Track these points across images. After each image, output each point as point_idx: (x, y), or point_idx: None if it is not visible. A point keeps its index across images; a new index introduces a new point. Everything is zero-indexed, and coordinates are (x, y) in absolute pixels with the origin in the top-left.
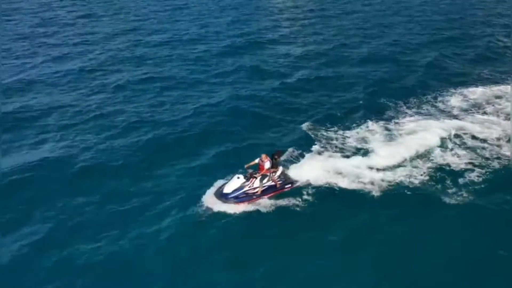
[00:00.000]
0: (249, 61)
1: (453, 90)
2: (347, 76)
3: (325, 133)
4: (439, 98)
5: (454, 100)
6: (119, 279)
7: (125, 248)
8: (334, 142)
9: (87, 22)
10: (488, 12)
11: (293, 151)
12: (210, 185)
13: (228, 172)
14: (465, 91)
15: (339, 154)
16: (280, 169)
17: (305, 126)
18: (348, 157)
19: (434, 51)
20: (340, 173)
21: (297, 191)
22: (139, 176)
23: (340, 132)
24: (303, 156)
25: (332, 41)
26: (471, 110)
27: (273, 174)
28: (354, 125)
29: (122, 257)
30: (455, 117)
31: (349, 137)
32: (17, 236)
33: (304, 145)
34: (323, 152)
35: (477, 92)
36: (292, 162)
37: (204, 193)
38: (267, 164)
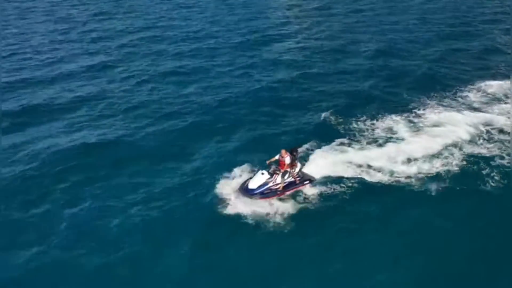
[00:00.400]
0: (266, 54)
1: (469, 84)
2: (363, 69)
3: (350, 125)
4: (457, 92)
5: (473, 94)
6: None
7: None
8: (361, 134)
9: (102, 20)
10: (495, 9)
11: (314, 143)
12: (229, 174)
13: (247, 160)
14: (482, 84)
15: (369, 146)
16: (299, 165)
17: (326, 117)
18: (378, 148)
19: (445, 46)
20: (371, 166)
21: (332, 186)
22: (167, 161)
23: (365, 124)
24: (326, 149)
25: (344, 36)
26: (491, 103)
27: (293, 170)
28: (377, 116)
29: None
30: (478, 109)
31: (374, 129)
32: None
33: (328, 136)
34: (350, 144)
35: (493, 86)
36: (315, 155)
37: (224, 184)
38: (287, 160)
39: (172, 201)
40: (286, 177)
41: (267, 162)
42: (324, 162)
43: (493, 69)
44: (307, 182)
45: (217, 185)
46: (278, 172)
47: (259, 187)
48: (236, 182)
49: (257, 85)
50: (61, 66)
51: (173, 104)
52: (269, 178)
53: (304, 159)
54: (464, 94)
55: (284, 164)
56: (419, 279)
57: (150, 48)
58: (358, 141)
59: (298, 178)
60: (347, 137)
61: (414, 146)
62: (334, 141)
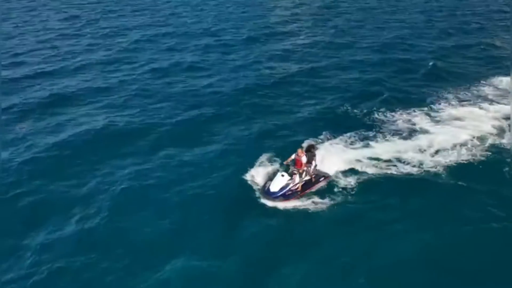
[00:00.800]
0: (278, 48)
1: (481, 79)
2: (375, 63)
3: (370, 117)
4: (471, 86)
5: (486, 88)
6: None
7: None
8: (382, 125)
9: (114, 18)
10: (503, 5)
11: (333, 135)
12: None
13: (267, 148)
14: (494, 80)
15: (392, 138)
16: (314, 163)
17: (346, 109)
18: (402, 140)
19: (454, 41)
20: (398, 158)
21: (356, 178)
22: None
23: (385, 116)
24: (349, 140)
25: (353, 31)
26: (506, 96)
27: (309, 168)
28: (396, 109)
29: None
30: (495, 103)
31: (394, 121)
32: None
33: (349, 128)
34: (374, 136)
35: (503, 82)
36: (336, 148)
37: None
38: (304, 159)
39: (203, 183)
40: (303, 176)
41: (285, 162)
42: (347, 155)
43: (503, 64)
44: (322, 179)
45: (245, 172)
46: (296, 172)
47: (281, 189)
48: (262, 169)
49: (273, 78)
50: (84, 58)
51: (195, 95)
52: (289, 179)
53: (325, 151)
54: (478, 88)
55: (301, 163)
56: (452, 269)
57: (161, 43)
58: (381, 133)
59: (314, 176)
60: (369, 129)
61: (440, 137)
62: (357, 132)
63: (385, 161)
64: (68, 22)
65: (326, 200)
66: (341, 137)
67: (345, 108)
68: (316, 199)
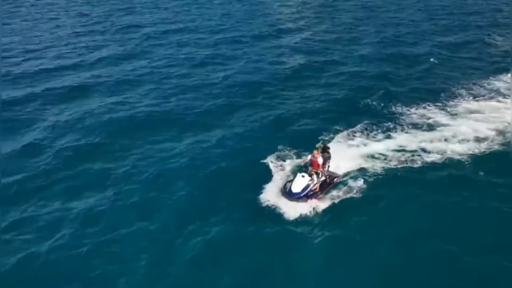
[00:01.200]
0: (287, 44)
1: (491, 75)
2: (383, 59)
3: (387, 110)
4: (483, 81)
5: (498, 83)
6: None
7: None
8: (401, 118)
9: (124, 15)
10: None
11: (354, 126)
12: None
13: (277, 139)
14: (503, 76)
15: (412, 130)
16: (327, 164)
17: (365, 102)
18: (422, 131)
19: (462, 38)
20: (423, 148)
21: (379, 168)
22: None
23: (402, 109)
24: (370, 132)
25: (360, 28)
26: None
27: (325, 169)
28: (411, 103)
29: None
30: (508, 96)
31: (411, 114)
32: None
33: (369, 120)
34: (394, 128)
35: None
36: (357, 139)
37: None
38: (320, 160)
39: (225, 168)
40: (320, 176)
41: (302, 163)
42: (367, 148)
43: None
44: (336, 178)
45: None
46: (313, 172)
47: (303, 189)
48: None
49: (285, 71)
50: (101, 52)
51: (211, 86)
52: (310, 180)
53: (348, 142)
54: (489, 82)
55: (318, 164)
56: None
57: (177, 39)
58: (400, 125)
59: (328, 177)
60: (388, 122)
61: (462, 129)
62: (376, 124)
63: (409, 151)
64: (82, 19)
65: (351, 194)
66: (358, 129)
67: (359, 101)
68: (337, 194)
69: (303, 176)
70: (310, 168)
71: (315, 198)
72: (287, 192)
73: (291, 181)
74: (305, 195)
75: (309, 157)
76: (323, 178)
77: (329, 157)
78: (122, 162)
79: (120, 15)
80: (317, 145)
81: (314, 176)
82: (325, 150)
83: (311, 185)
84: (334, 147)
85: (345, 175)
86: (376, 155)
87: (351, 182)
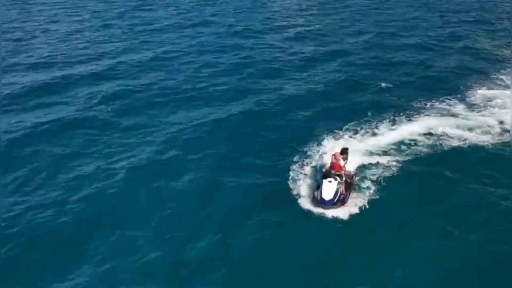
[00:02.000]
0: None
1: (496, 72)
2: (391, 55)
3: (404, 104)
4: (495, 75)
5: (506, 78)
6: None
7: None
8: (419, 112)
9: (136, 16)
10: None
11: (373, 119)
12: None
13: (293, 147)
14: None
15: (435, 121)
16: (346, 165)
17: (380, 96)
18: (445, 119)
19: (466, 37)
20: (443, 135)
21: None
22: None
23: (419, 103)
24: (391, 126)
25: (366, 26)
26: None
27: (345, 171)
28: (427, 98)
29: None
30: None
31: (430, 108)
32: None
33: (387, 112)
34: (410, 119)
35: None
36: (381, 130)
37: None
38: (342, 162)
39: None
40: (343, 178)
41: (324, 169)
42: (377, 140)
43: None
44: (354, 176)
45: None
46: (337, 176)
47: (335, 195)
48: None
49: (299, 62)
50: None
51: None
52: (338, 184)
53: (372, 133)
54: (499, 78)
55: (340, 167)
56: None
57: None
58: (418, 116)
59: (348, 177)
60: (406, 114)
61: (486, 119)
62: (395, 116)
63: (434, 135)
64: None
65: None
66: (384, 120)
67: (381, 95)
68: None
69: (330, 182)
70: (332, 172)
71: (346, 200)
72: (319, 201)
73: (318, 188)
74: (338, 200)
75: (330, 161)
76: (344, 179)
77: (346, 159)
78: (151, 131)
79: (132, 17)
80: (335, 148)
81: (338, 179)
82: (344, 152)
83: (340, 189)
84: (341, 144)
85: (361, 171)
86: (385, 148)
87: (367, 178)
